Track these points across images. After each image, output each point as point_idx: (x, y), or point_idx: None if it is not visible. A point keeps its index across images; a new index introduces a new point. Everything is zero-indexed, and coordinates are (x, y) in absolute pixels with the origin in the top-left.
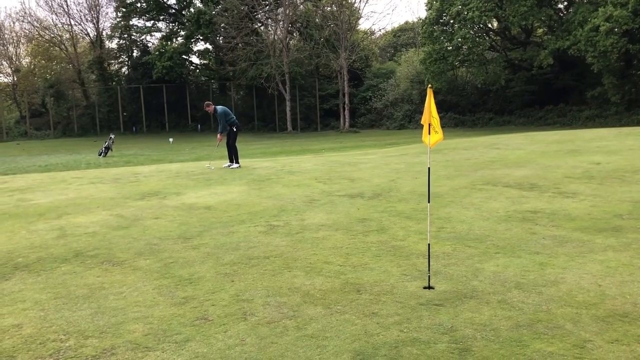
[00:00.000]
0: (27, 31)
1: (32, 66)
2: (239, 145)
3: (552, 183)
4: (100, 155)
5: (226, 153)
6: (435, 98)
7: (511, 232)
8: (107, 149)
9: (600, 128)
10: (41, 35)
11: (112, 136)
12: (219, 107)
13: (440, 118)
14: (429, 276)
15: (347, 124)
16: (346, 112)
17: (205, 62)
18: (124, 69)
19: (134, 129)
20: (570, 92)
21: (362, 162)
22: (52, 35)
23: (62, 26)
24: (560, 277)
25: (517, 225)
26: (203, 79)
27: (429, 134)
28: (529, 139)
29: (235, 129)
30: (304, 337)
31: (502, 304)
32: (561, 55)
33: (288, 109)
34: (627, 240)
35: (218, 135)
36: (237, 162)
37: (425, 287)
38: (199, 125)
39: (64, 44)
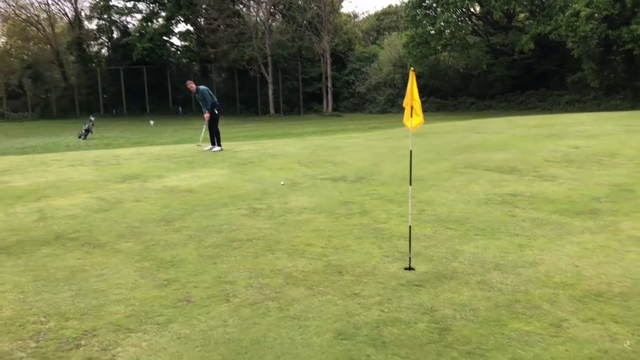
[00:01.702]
0: (3, 10)
1: (9, 46)
2: (221, 128)
3: (531, 167)
4: (80, 137)
5: (208, 136)
6: (417, 82)
7: (491, 214)
8: (87, 131)
9: (579, 113)
10: (17, 15)
11: (92, 118)
12: (201, 87)
13: (423, 102)
14: (409, 258)
15: (330, 107)
16: (329, 95)
17: (186, 43)
18: (103, 51)
19: (114, 111)
20: (551, 77)
21: (345, 146)
22: (29, 15)
23: (39, 5)
24: (538, 259)
25: (497, 207)
26: (184, 61)
27: (411, 116)
28: (510, 123)
29: (217, 111)
30: (286, 318)
31: (481, 284)
32: (542, 40)
33: (270, 92)
34: (603, 222)
35: (206, 114)
36: (219, 145)
37: (406, 269)
38: (180, 108)
39: (41, 24)
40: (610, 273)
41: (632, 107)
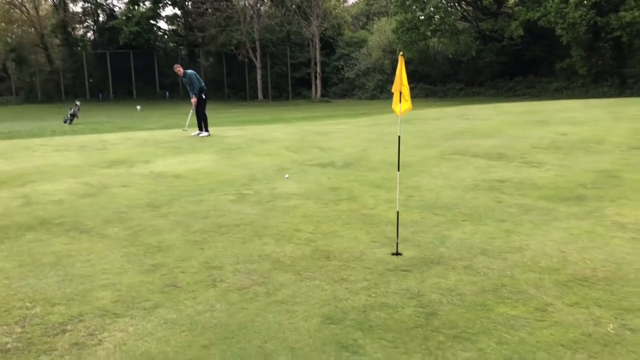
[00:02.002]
0: None
1: None
2: (209, 113)
3: (519, 153)
4: (65, 122)
5: (195, 121)
6: (406, 68)
7: (478, 200)
8: (73, 116)
9: (567, 100)
10: None
11: (78, 103)
12: (189, 71)
13: (412, 88)
14: (397, 243)
15: (319, 93)
16: (318, 81)
17: (173, 27)
18: (89, 34)
19: (100, 95)
20: (540, 64)
21: (334, 132)
22: None
23: None
24: (524, 244)
25: (484, 193)
26: (171, 45)
27: (400, 102)
28: (498, 109)
29: (204, 96)
30: (273, 303)
31: (467, 269)
32: (531, 27)
33: (259, 77)
34: (589, 208)
35: (193, 99)
36: (206, 130)
37: (393, 254)
38: (167, 93)
39: (24, 6)
40: (595, 258)
41: (619, 95)
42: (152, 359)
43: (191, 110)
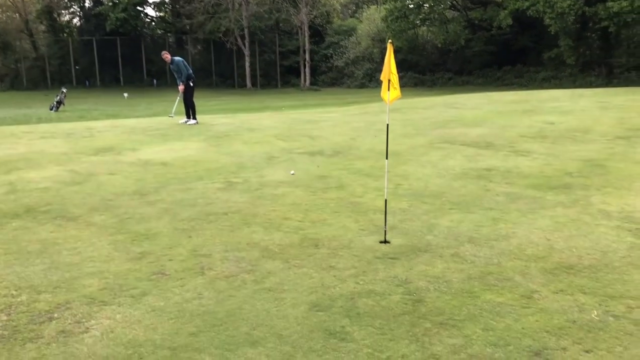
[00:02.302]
0: None
1: None
2: (197, 101)
3: (507, 142)
4: (51, 109)
5: (183, 109)
6: (395, 57)
7: (466, 189)
8: (59, 103)
9: (555, 89)
10: None
11: (64, 90)
12: (176, 58)
13: (401, 77)
14: (385, 231)
15: (307, 81)
16: (307, 69)
17: (161, 14)
18: (75, 20)
19: (86, 82)
20: (528, 53)
21: (323, 120)
22: None
23: None
24: (511, 232)
25: (472, 182)
26: (159, 32)
27: (388, 90)
28: (487, 99)
29: (191, 84)
30: (261, 291)
31: (455, 257)
32: (520, 16)
33: (247, 65)
34: (575, 196)
35: (180, 86)
36: (194, 118)
37: (381, 242)
38: (154, 80)
39: None
40: (580, 246)
41: (607, 84)
42: (139, 346)
43: (178, 97)
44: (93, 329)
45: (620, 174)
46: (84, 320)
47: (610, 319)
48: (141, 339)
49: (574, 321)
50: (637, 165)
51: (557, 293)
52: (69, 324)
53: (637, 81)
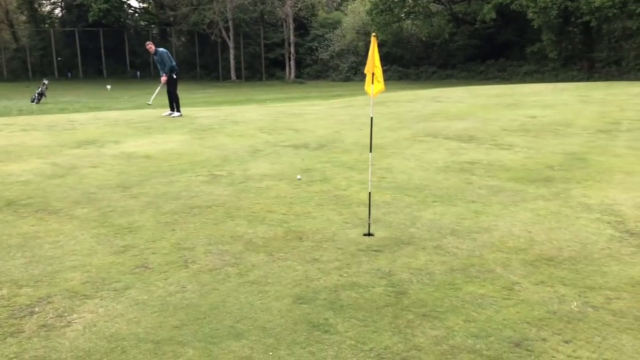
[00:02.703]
0: None
1: None
2: (180, 93)
3: (490, 135)
4: (33, 101)
5: (167, 101)
6: (380, 50)
7: (449, 182)
8: (41, 95)
9: (537, 83)
10: None
11: (46, 82)
12: (161, 49)
13: (385, 71)
14: (369, 224)
15: (292, 74)
16: (292, 62)
17: (144, 5)
18: (57, 11)
19: (69, 74)
20: (511, 48)
21: (308, 113)
22: None
23: None
24: (493, 225)
25: (455, 175)
26: (142, 23)
27: (372, 83)
28: (470, 92)
29: (174, 76)
30: (245, 284)
31: (437, 249)
32: (504, 10)
33: (232, 57)
34: (556, 190)
35: (163, 77)
36: (178, 110)
37: (365, 234)
38: (138, 72)
39: None
40: (560, 238)
41: (588, 79)
42: (122, 339)
43: (159, 87)
44: (75, 322)
45: (600, 167)
46: (65, 314)
47: (589, 309)
48: (124, 332)
49: (554, 312)
50: (617, 158)
51: (537, 285)
52: (51, 318)
53: (618, 76)
